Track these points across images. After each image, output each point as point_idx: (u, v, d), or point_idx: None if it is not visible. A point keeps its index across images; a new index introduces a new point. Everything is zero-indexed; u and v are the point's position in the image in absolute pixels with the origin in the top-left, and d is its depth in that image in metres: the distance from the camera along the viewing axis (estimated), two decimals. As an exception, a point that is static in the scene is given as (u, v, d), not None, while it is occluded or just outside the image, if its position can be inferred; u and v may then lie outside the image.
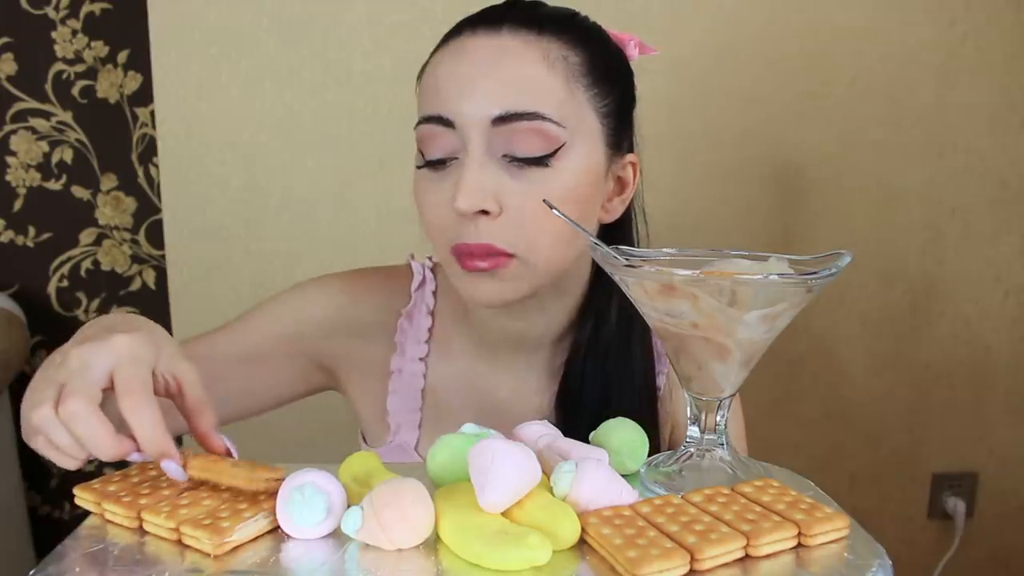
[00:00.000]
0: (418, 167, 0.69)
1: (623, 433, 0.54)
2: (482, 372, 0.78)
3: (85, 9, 1.43)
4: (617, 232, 0.74)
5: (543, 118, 0.64)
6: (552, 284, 0.71)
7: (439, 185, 0.67)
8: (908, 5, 1.38)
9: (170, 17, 1.29)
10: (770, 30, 1.36)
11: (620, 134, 0.71)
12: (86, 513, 0.47)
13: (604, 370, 0.75)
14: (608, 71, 0.70)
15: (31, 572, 0.41)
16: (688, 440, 0.54)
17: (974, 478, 1.56)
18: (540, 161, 0.65)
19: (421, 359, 0.78)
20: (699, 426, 0.53)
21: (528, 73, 0.65)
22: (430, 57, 0.70)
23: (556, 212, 0.57)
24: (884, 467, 1.53)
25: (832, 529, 0.44)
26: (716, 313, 0.48)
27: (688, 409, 0.54)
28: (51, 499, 1.58)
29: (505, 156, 0.65)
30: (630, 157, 0.73)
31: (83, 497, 0.47)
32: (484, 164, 0.65)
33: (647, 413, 0.76)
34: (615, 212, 0.73)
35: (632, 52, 0.75)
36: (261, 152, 1.33)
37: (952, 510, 1.54)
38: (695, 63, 1.35)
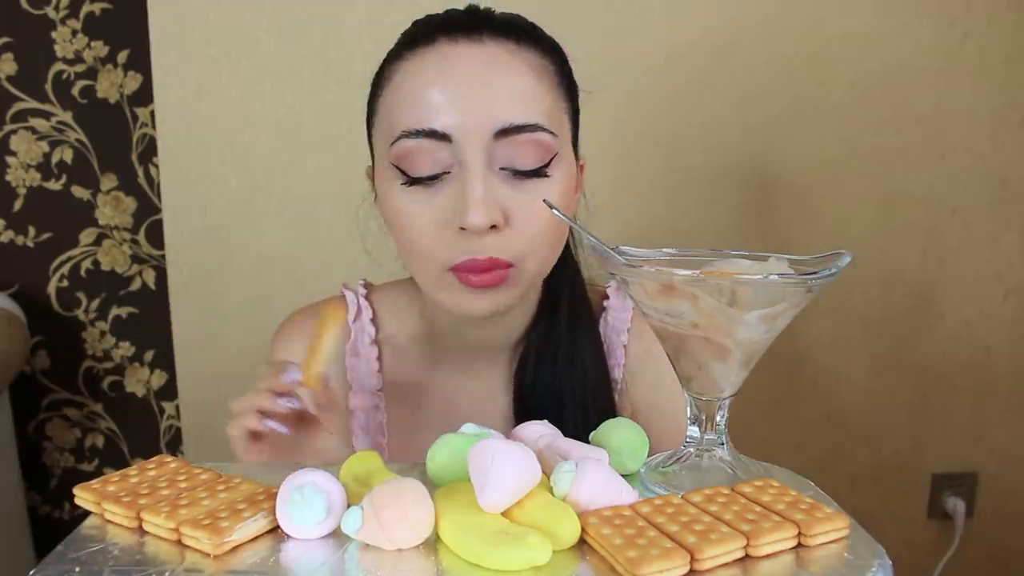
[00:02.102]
0: (402, 184, 0.66)
1: (623, 433, 0.54)
2: (443, 385, 0.77)
3: (85, 9, 1.43)
4: None
5: (541, 129, 0.64)
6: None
7: (431, 203, 0.65)
8: (907, 7, 1.37)
9: (170, 17, 1.29)
10: (769, 32, 1.36)
11: (576, 137, 0.72)
12: (86, 513, 0.47)
13: (555, 367, 0.74)
14: (568, 77, 0.71)
15: (31, 572, 0.41)
16: (688, 440, 0.54)
17: (974, 478, 1.56)
18: (538, 172, 0.65)
19: (378, 391, 0.77)
20: (699, 426, 0.53)
21: (520, 84, 0.65)
22: (391, 64, 0.67)
23: (556, 212, 0.57)
24: (884, 468, 1.53)
25: (832, 529, 0.44)
26: (716, 313, 0.48)
27: (688, 409, 0.54)
28: (51, 499, 1.58)
29: (504, 168, 0.64)
30: (581, 159, 0.74)
31: (83, 497, 0.47)
32: (487, 178, 0.64)
33: (604, 405, 0.76)
34: (573, 211, 0.75)
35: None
36: (261, 152, 1.33)
37: (952, 510, 1.54)
38: (694, 65, 1.35)
